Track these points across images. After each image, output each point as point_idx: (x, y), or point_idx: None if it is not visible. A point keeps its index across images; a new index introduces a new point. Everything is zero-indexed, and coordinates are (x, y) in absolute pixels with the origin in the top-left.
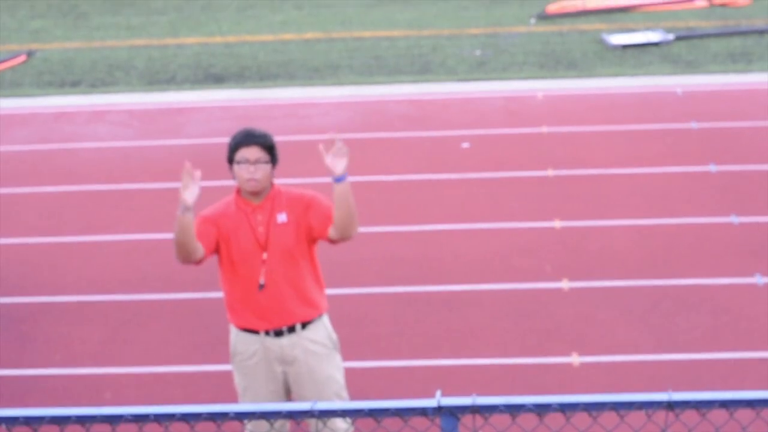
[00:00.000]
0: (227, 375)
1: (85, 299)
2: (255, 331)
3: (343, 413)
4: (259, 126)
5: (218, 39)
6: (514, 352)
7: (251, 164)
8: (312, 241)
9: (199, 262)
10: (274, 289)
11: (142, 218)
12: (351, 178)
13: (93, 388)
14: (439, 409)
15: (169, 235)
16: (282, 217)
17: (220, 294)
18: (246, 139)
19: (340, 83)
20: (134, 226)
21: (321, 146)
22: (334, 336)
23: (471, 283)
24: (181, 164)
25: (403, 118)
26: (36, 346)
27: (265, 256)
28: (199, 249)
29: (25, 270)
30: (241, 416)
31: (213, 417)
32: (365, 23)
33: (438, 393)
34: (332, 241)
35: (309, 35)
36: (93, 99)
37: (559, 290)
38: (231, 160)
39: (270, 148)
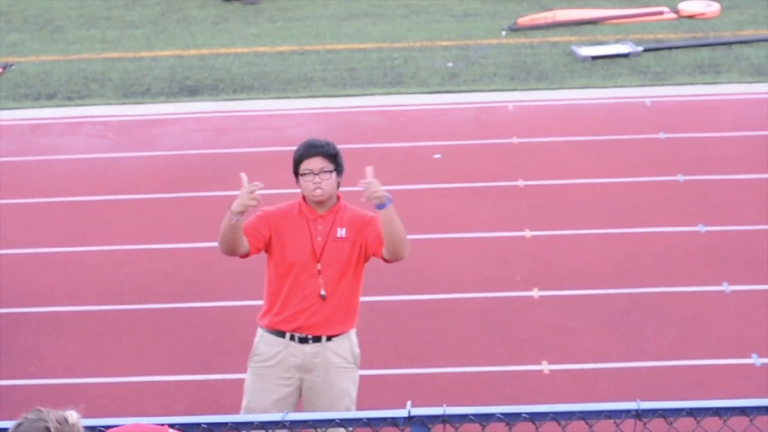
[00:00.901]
0: (202, 385)
1: (60, 310)
2: (281, 334)
3: (313, 423)
4: (233, 137)
5: (193, 52)
6: (485, 360)
7: (315, 175)
8: (366, 258)
9: (244, 256)
10: (332, 300)
11: (117, 230)
12: None
13: (68, 400)
14: (410, 419)
15: (145, 246)
16: (341, 232)
17: (195, 304)
18: (308, 150)
19: (313, 95)
20: (109, 237)
21: (361, 182)
22: (357, 351)
23: (443, 292)
24: (156, 176)
25: (376, 129)
26: (11, 357)
27: (319, 266)
28: (245, 245)
29: (0, 281)
30: (213, 426)
31: (185, 428)
32: (338, 36)
33: (408, 403)
34: (386, 260)
35: (283, 48)
36: (69, 111)
37: (529, 299)
38: (297, 173)
39: (334, 157)
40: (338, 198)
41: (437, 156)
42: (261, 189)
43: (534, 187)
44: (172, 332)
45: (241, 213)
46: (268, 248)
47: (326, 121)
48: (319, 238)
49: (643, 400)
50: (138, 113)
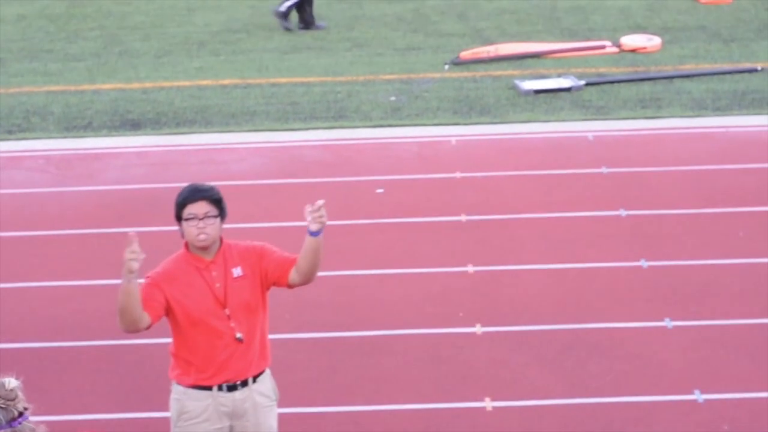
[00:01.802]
0: (144, 422)
1: (0, 347)
2: (207, 388)
3: None
4: (176, 172)
5: (135, 85)
6: (428, 397)
7: (200, 220)
8: (267, 288)
9: (147, 328)
10: (249, 341)
11: (58, 265)
12: (265, 224)
13: None
14: None
15: (87, 282)
16: (237, 271)
17: (137, 341)
18: (192, 194)
19: (256, 129)
20: (50, 273)
21: (308, 206)
22: (276, 387)
23: (385, 328)
24: (98, 210)
25: (319, 163)
26: None
27: (227, 311)
28: (145, 317)
29: None
30: None
31: None
32: (281, 70)
33: None
34: (290, 286)
35: (226, 81)
36: (9, 145)
37: (472, 335)
38: (179, 218)
39: (218, 202)
40: (221, 240)
41: (380, 191)
42: (137, 242)
43: (477, 222)
44: (113, 369)
45: (131, 272)
46: (168, 312)
47: (269, 155)
48: (217, 285)
49: None
50: (80, 147)
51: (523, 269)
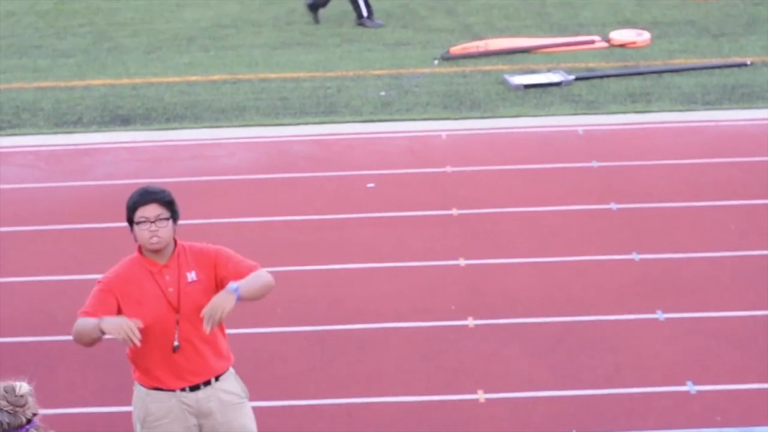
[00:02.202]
0: None
1: None
2: (171, 389)
3: None
4: (166, 167)
5: (125, 81)
6: (420, 390)
7: (152, 222)
8: None
9: (99, 339)
10: (191, 349)
11: (48, 260)
12: (256, 219)
13: None
14: None
15: (78, 277)
16: (192, 276)
17: None
18: (143, 197)
19: (246, 124)
20: (41, 268)
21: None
22: (244, 385)
23: (377, 322)
24: (88, 206)
25: (309, 158)
26: None
27: (178, 317)
28: (98, 330)
29: None
30: None
31: None
32: (271, 65)
33: None
34: None
35: (215, 77)
36: None
37: (464, 328)
38: (131, 221)
39: (169, 204)
40: (175, 242)
41: (370, 185)
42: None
43: (468, 216)
44: (105, 363)
45: (107, 334)
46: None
47: (259, 150)
48: (170, 289)
49: (578, 429)
50: (70, 143)
51: (514, 263)
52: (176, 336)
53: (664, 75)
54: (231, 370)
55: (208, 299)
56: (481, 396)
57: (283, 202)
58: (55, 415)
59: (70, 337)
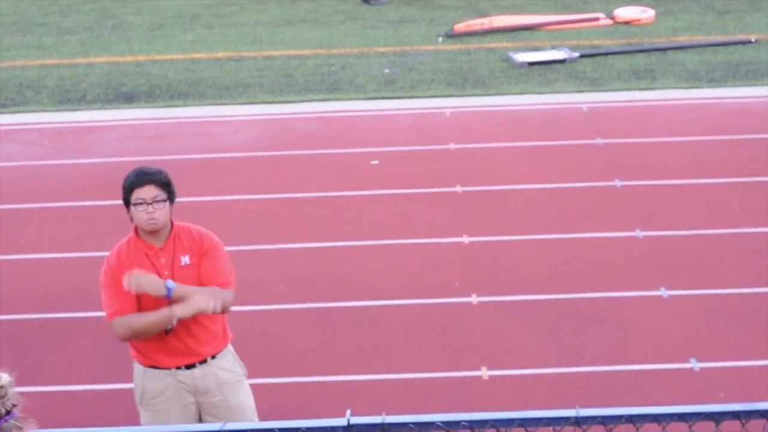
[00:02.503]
0: None
1: None
2: (166, 368)
3: None
4: (170, 144)
5: (129, 58)
6: (424, 367)
7: (149, 204)
8: None
9: None
10: (184, 331)
11: (53, 237)
12: (261, 196)
13: None
14: (349, 428)
15: (81, 254)
16: (185, 260)
17: None
18: (140, 178)
19: (250, 102)
20: (45, 245)
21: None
22: (242, 362)
23: (381, 299)
24: (92, 183)
25: (313, 136)
26: None
27: (170, 301)
28: (170, 323)
29: None
30: None
31: None
32: (275, 42)
33: (348, 412)
34: None
35: (219, 54)
36: (3, 118)
37: (468, 305)
38: (127, 202)
39: (166, 185)
40: (172, 224)
41: (375, 162)
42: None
43: (472, 193)
44: (110, 340)
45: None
46: None
47: (263, 127)
48: (165, 272)
49: (582, 405)
50: (74, 120)
51: (518, 239)
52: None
53: (669, 52)
54: (229, 347)
55: (201, 282)
56: (484, 372)
57: (286, 179)
58: (60, 392)
59: (76, 314)
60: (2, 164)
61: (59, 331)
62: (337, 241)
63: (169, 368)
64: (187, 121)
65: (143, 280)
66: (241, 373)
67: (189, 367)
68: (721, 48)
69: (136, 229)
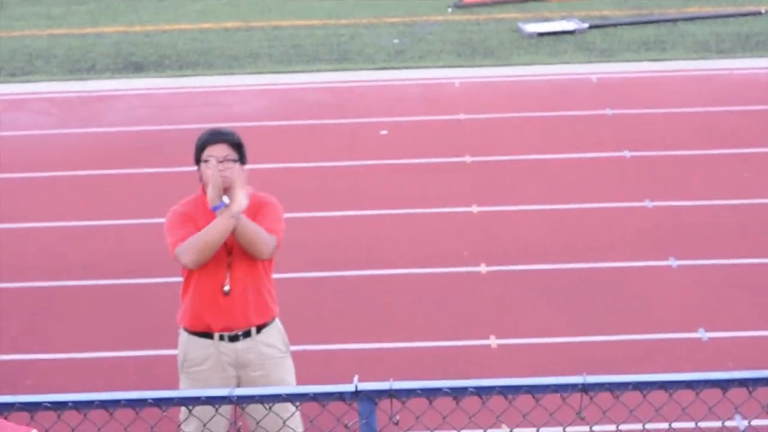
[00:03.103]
0: (149, 360)
1: (5, 287)
2: (209, 335)
3: (260, 398)
4: (179, 114)
5: (138, 28)
6: (432, 336)
7: (219, 161)
8: None
9: None
10: (238, 295)
11: (62, 206)
12: (270, 165)
13: (14, 375)
14: (357, 394)
15: (91, 222)
16: None
17: (141, 281)
18: (213, 137)
19: (259, 71)
20: (54, 213)
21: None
22: (287, 339)
23: (390, 268)
24: (101, 152)
25: (322, 105)
26: None
27: (230, 259)
28: (231, 226)
29: None
30: (159, 402)
31: (132, 404)
32: (284, 12)
33: (355, 378)
34: None
35: (228, 24)
36: (13, 88)
37: (476, 274)
38: (198, 160)
39: (238, 146)
40: None
41: (384, 132)
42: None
43: (481, 163)
44: (118, 308)
45: (240, 210)
46: None
47: (272, 97)
48: None
49: (589, 374)
50: (83, 89)
51: (527, 209)
52: (228, 279)
53: (678, 23)
54: (276, 321)
55: None
56: (493, 342)
57: (295, 148)
58: (69, 359)
59: (84, 282)
60: (11, 133)
61: (67, 299)
62: (345, 210)
63: (212, 335)
64: (197, 91)
65: (215, 180)
66: (284, 350)
67: (233, 339)
68: (731, 19)
69: (203, 188)
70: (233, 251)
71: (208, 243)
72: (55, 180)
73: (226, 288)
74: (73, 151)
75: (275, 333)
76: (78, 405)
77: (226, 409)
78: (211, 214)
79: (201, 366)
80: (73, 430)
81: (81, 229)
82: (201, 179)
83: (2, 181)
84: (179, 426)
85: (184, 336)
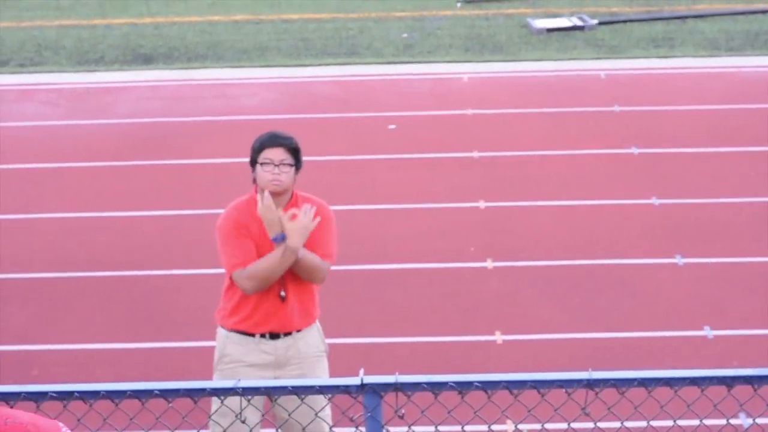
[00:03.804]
0: (152, 352)
1: (12, 277)
2: (251, 334)
3: (266, 391)
4: (188, 106)
5: (147, 20)
6: (438, 330)
7: (275, 165)
8: None
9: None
10: (292, 299)
11: (69, 197)
12: None
13: (20, 366)
14: (362, 387)
15: (98, 214)
16: None
17: (147, 272)
18: (271, 140)
19: (268, 65)
20: (62, 205)
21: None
22: (324, 339)
23: (396, 262)
24: (109, 144)
25: (330, 99)
26: None
27: None
28: (292, 259)
29: None
30: (165, 393)
31: (138, 395)
32: (293, 5)
33: (361, 371)
34: None
35: (237, 17)
36: (22, 78)
37: (483, 269)
38: (254, 162)
39: (296, 151)
40: (293, 193)
41: (392, 127)
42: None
43: (488, 159)
44: (124, 300)
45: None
46: None
47: (280, 90)
48: None
49: (595, 370)
50: (92, 81)
51: (534, 205)
52: (283, 284)
53: (688, 20)
54: (316, 323)
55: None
56: (498, 337)
57: (304, 142)
58: (74, 350)
59: (89, 274)
60: (20, 124)
61: (72, 290)
62: (352, 204)
63: (254, 334)
64: (205, 84)
65: (270, 210)
66: (322, 349)
67: (273, 337)
68: (741, 17)
69: (256, 190)
70: None
71: (270, 276)
72: (62, 171)
73: (283, 294)
74: (80, 143)
75: (315, 332)
76: (84, 395)
77: (259, 402)
78: (259, 222)
79: (239, 363)
80: (78, 420)
81: (87, 221)
82: (254, 180)
83: (9, 172)
84: (210, 416)
85: (222, 333)
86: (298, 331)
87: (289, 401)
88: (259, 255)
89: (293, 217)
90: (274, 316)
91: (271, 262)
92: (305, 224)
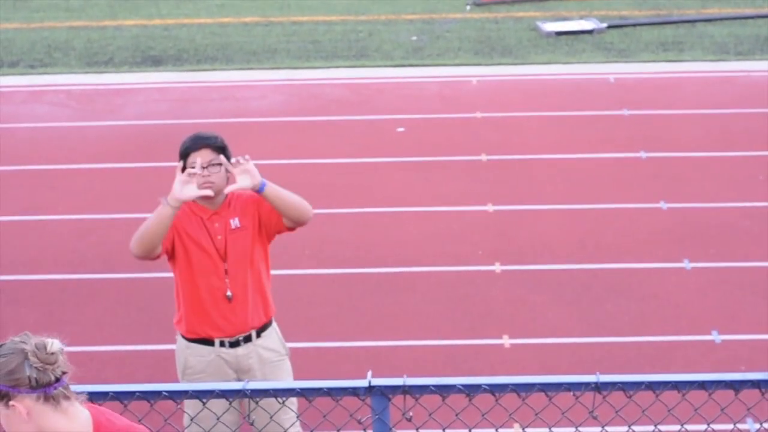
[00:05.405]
0: (162, 354)
1: (22, 279)
2: (209, 342)
3: (275, 393)
4: (197, 108)
5: (157, 21)
6: (446, 334)
7: (203, 168)
8: (269, 237)
9: (155, 258)
10: (240, 299)
11: (79, 199)
12: (285, 161)
13: None
14: (370, 389)
15: (108, 216)
16: (235, 222)
17: (156, 274)
18: (195, 142)
19: (277, 67)
20: (71, 206)
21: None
22: (284, 341)
23: (404, 265)
24: (118, 145)
25: (339, 102)
26: None
27: (226, 266)
28: (159, 246)
29: None
30: (173, 395)
31: (146, 396)
32: (303, 8)
33: (369, 373)
34: (291, 229)
35: (247, 19)
36: (31, 79)
37: (491, 273)
38: (184, 167)
39: (222, 149)
40: (227, 195)
41: (401, 129)
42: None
43: (497, 162)
44: (133, 302)
45: (178, 207)
46: (171, 259)
47: (290, 93)
48: (219, 237)
49: (602, 374)
50: (101, 82)
51: (542, 209)
52: (228, 286)
53: (697, 24)
54: (274, 324)
55: (253, 246)
56: (506, 341)
57: (312, 144)
58: (84, 352)
59: (99, 276)
60: (30, 125)
61: (82, 291)
62: (361, 207)
63: (213, 342)
64: (215, 86)
65: (187, 191)
66: (283, 353)
67: (233, 345)
68: (750, 21)
69: None
70: (228, 257)
71: (150, 229)
72: (72, 172)
73: (229, 293)
74: (90, 144)
75: (274, 336)
76: (93, 396)
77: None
78: (196, 224)
79: (202, 373)
80: None
81: (97, 222)
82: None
83: (19, 173)
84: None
85: (182, 343)
86: (258, 335)
87: (263, 415)
88: (188, 258)
89: (236, 164)
90: (225, 319)
91: (150, 219)
92: (246, 167)
